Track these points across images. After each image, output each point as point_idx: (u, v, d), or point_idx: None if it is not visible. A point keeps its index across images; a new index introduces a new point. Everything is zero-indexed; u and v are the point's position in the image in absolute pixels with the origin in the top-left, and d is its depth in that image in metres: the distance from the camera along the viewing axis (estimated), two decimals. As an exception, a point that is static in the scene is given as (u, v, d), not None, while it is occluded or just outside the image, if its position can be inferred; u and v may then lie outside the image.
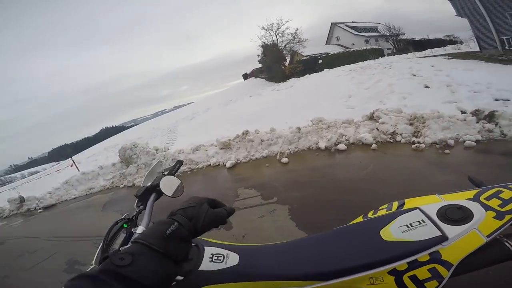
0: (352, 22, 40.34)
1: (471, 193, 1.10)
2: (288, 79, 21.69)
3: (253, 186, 4.02)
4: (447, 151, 3.92)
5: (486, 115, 4.52)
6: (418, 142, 4.41)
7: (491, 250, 0.95)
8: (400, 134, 4.83)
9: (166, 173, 1.17)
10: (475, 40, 16.86)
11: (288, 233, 2.59)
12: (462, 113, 4.90)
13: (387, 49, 31.19)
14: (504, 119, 4.30)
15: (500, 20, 13.59)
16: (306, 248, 1.06)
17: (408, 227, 0.95)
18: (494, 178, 3.06)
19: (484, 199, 1.04)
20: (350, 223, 1.15)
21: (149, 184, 1.06)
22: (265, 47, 28.68)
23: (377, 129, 5.18)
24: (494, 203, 1.02)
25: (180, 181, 1.09)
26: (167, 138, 11.21)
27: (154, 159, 6.91)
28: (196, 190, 4.65)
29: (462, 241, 0.92)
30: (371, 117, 5.69)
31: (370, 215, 1.18)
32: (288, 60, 29.64)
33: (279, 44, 28.86)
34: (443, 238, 0.91)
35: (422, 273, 0.90)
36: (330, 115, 6.23)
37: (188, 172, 5.84)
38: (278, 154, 5.13)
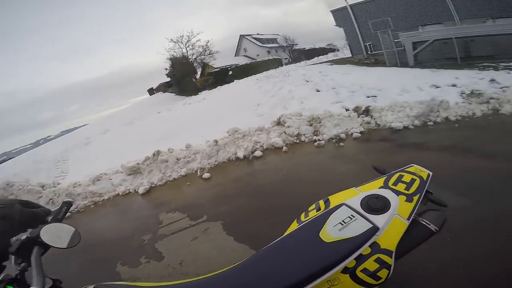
0: (257, 34, 43.23)
1: (381, 181, 1.24)
2: (200, 91, 21.29)
3: (176, 209, 3.65)
4: (341, 143, 4.65)
5: (363, 110, 5.44)
6: (319, 140, 4.96)
7: (414, 230, 1.08)
8: (304, 135, 5.35)
9: (49, 219, 0.92)
10: (348, 47, 20.85)
11: (229, 249, 2.46)
12: (346, 111, 5.76)
13: (285, 58, 35.21)
14: (376, 112, 5.26)
15: (365, 28, 17.09)
16: (253, 271, 0.98)
17: (342, 224, 1.02)
18: (378, 159, 3.81)
19: (392, 185, 1.19)
20: (287, 232, 1.14)
21: (24, 237, 0.79)
22: (174, 60, 27.32)
23: (284, 132, 5.57)
24: (401, 187, 1.17)
25: (73, 228, 0.89)
26: (56, 170, 8.93)
27: (41, 197, 5.27)
28: (107, 225, 3.89)
29: (390, 228, 1.03)
30: (279, 122, 6.09)
31: (303, 218, 1.21)
32: (199, 73, 29.26)
33: (189, 57, 28.13)
34: (375, 229, 1.00)
35: (370, 264, 0.96)
36: (244, 124, 6.32)
37: (92, 206, 4.72)
38: (198, 171, 4.82)
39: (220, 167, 4.83)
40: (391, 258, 0.98)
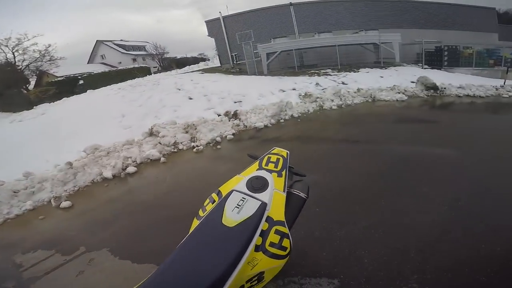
0: (121, 40, 38.25)
1: (256, 164, 1.46)
2: (36, 105, 16.34)
3: (35, 247, 2.79)
4: (218, 146, 4.97)
5: (233, 114, 5.97)
6: (197, 146, 5.03)
7: (291, 200, 1.31)
8: (181, 143, 5.26)
9: None
10: (217, 57, 22.17)
11: (132, 272, 2.18)
12: (218, 116, 6.14)
13: (154, 67, 33.03)
14: (242, 115, 5.90)
15: (233, 39, 18.54)
16: (172, 277, 0.94)
17: (238, 207, 1.13)
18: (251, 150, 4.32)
19: (264, 166, 1.42)
20: (191, 230, 1.17)
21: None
22: (-9, 68, 19.71)
23: (159, 143, 5.26)
24: (271, 166, 1.42)
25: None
26: None
27: None
28: None
29: (274, 201, 1.22)
30: (151, 133, 5.68)
31: (201, 213, 1.27)
32: (33, 83, 22.48)
33: (17, 64, 20.96)
34: (264, 204, 1.16)
35: (273, 237, 1.11)
36: (107, 139, 5.47)
37: None
38: (52, 200, 3.86)
39: (83, 192, 4.08)
40: (285, 227, 1.16)
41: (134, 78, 19.38)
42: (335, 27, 18.20)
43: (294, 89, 8.20)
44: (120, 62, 33.62)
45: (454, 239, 2.01)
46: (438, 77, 9.54)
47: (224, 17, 19.42)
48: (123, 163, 4.57)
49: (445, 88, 8.48)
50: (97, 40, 35.80)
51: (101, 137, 5.67)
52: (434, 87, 8.40)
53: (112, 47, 35.56)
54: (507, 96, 8.22)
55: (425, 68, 13.74)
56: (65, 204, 3.68)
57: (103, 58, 35.58)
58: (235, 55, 19.68)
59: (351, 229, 2.21)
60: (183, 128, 5.71)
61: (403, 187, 2.81)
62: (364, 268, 1.81)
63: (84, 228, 3.08)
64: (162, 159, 4.67)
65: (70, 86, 21.38)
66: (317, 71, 12.35)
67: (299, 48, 14.63)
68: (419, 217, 2.28)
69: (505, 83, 9.29)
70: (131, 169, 4.39)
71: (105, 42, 35.72)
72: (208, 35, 20.59)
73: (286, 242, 1.13)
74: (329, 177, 3.17)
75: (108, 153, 4.92)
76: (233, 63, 19.55)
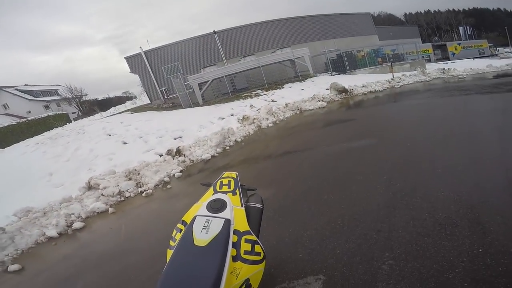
0: (25, 85, 33.29)
1: (211, 191, 1.66)
2: None
3: None
4: (168, 186, 4.89)
5: (175, 151, 5.93)
6: (145, 190, 4.83)
7: (250, 212, 1.55)
8: (126, 190, 4.99)
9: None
10: (145, 94, 21.18)
11: None
12: (160, 156, 6.01)
13: (72, 113, 29.53)
14: (186, 150, 5.92)
15: (159, 74, 17.96)
16: None
17: (205, 228, 1.26)
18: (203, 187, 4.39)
19: (219, 189, 1.63)
20: (168, 260, 1.26)
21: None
22: None
23: (102, 195, 4.96)
24: (225, 188, 1.64)
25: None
26: None
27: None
28: None
29: (236, 216, 1.41)
30: (90, 187, 5.32)
31: (172, 244, 1.38)
32: None
33: None
34: (228, 220, 1.33)
35: (245, 246, 1.29)
36: (38, 201, 5.07)
37: None
38: None
39: (29, 253, 3.81)
40: (253, 235, 1.36)
41: (51, 129, 17.01)
42: (257, 49, 19.89)
43: (232, 115, 8.62)
44: (29, 111, 29.18)
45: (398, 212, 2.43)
46: (345, 80, 11.39)
47: (146, 52, 18.94)
48: (66, 220, 4.33)
49: (352, 89, 10.20)
50: None
51: (31, 199, 5.30)
52: (344, 90, 10.02)
53: (16, 94, 30.82)
54: (398, 86, 10.40)
55: (334, 75, 16.15)
56: (13, 267, 3.46)
57: (6, 108, 30.40)
58: (164, 89, 19.20)
59: (315, 227, 2.48)
60: (124, 175, 5.44)
61: (343, 180, 3.32)
62: (340, 258, 2.02)
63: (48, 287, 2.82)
64: (110, 209, 4.45)
65: (-35, 150, 17.31)
66: (249, 94, 13.19)
67: (229, 74, 15.39)
68: (366, 204, 2.65)
69: (394, 76, 11.73)
70: (77, 224, 4.19)
71: (5, 89, 30.64)
72: (131, 72, 19.70)
73: (258, 248, 1.33)
74: (281, 187, 3.53)
75: (44, 213, 4.64)
76: (164, 98, 19.01)
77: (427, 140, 4.10)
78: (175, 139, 7.10)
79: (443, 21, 55.85)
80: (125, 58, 19.26)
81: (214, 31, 19.73)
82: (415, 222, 2.23)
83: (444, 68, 13.03)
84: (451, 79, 11.20)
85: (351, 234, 2.28)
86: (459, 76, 11.67)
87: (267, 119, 7.65)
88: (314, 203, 2.93)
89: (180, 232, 1.42)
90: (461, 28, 39.58)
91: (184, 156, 5.77)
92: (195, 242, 1.23)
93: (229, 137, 6.35)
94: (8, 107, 30.41)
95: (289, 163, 4.43)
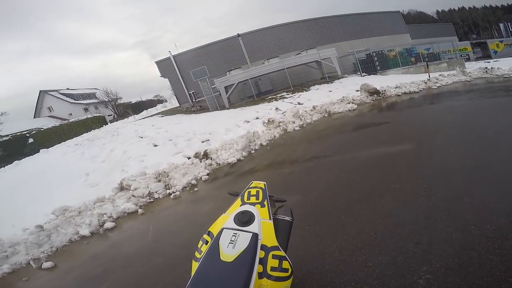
0: (67, 88, 36.05)
1: (238, 201, 1.59)
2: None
3: None
4: (195, 189, 4.96)
5: (203, 154, 6.01)
6: (173, 192, 4.95)
7: (279, 226, 1.47)
8: (156, 192, 5.16)
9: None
10: (175, 97, 22.00)
11: None
12: (188, 159, 6.13)
13: (108, 115, 31.50)
14: (213, 154, 5.98)
15: (187, 77, 18.54)
16: None
17: (232, 243, 1.21)
18: (229, 189, 4.36)
19: (247, 200, 1.55)
20: (192, 272, 1.25)
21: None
22: None
23: (133, 195, 5.13)
24: (253, 199, 1.56)
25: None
26: None
27: None
28: None
29: (264, 230, 1.33)
30: (122, 188, 5.52)
31: (198, 255, 1.35)
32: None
33: None
34: (256, 235, 1.26)
35: (273, 262, 1.21)
36: (74, 200, 5.40)
37: None
38: (31, 262, 3.88)
39: (63, 251, 4.04)
40: (281, 250, 1.28)
41: (89, 130, 18.37)
42: (281, 50, 19.76)
43: (257, 118, 8.59)
44: (71, 114, 31.63)
45: (440, 224, 2.20)
46: (376, 81, 10.82)
47: (174, 56, 19.64)
48: (98, 220, 4.53)
49: (385, 90, 9.64)
50: (40, 91, 33.34)
51: (68, 198, 5.65)
52: (376, 92, 9.49)
53: (59, 98, 33.38)
54: (436, 87, 9.63)
55: (363, 76, 15.47)
56: (47, 264, 3.70)
57: (50, 111, 33.12)
58: (192, 93, 19.75)
59: (345, 237, 2.33)
60: (154, 177, 5.61)
61: (377, 188, 3.07)
62: (371, 271, 1.88)
63: (75, 286, 2.98)
64: (140, 210, 4.60)
65: (18, 146, 19.39)
66: (274, 96, 13.10)
67: (254, 76, 15.41)
68: (403, 214, 2.44)
69: (430, 76, 10.91)
70: (109, 224, 4.38)
71: (49, 93, 33.44)
72: (161, 76, 20.57)
73: (285, 264, 1.25)
74: (309, 194, 3.38)
75: (79, 212, 4.88)
76: (192, 101, 19.55)
77: (472, 145, 3.67)
78: (202, 142, 7.22)
79: (480, 17, 51.54)
80: (155, 62, 20.18)
81: (238, 34, 19.97)
82: (459, 235, 2.01)
83: (486, 67, 11.84)
84: (496, 79, 10.09)
85: (385, 246, 2.10)
86: (505, 76, 10.50)
87: (294, 122, 7.49)
88: (344, 212, 2.75)
89: (206, 244, 1.38)
90: (501, 25, 36.57)
91: (211, 159, 5.83)
92: (221, 257, 1.19)
93: (254, 140, 6.31)
94: (53, 110, 33.14)
95: (317, 169, 4.25)
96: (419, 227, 2.21)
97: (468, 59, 21.67)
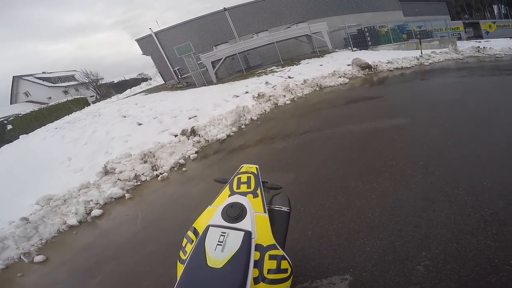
0: (43, 72, 34.54)
1: (226, 190, 1.32)
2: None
3: None
4: (184, 168, 4.72)
5: (190, 131, 5.72)
6: (160, 173, 4.72)
7: (275, 218, 1.24)
8: (142, 174, 4.91)
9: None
10: (159, 74, 21.07)
11: None
12: (175, 137, 5.83)
13: (90, 96, 30.17)
14: (201, 130, 5.70)
15: (171, 54, 17.59)
16: None
17: (220, 244, 1.00)
18: (219, 168, 4.22)
19: (236, 189, 1.29)
20: (178, 276, 1.06)
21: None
22: None
23: (119, 179, 4.88)
24: (244, 187, 1.29)
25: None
26: None
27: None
28: None
29: (258, 226, 1.11)
30: (107, 171, 5.26)
31: (182, 256, 1.16)
32: None
33: None
34: (248, 233, 1.04)
35: (270, 264, 1.02)
36: (58, 187, 5.17)
37: None
38: (22, 257, 3.77)
39: (52, 243, 3.90)
40: (278, 249, 1.07)
41: (71, 113, 17.48)
42: (270, 24, 18.93)
43: (247, 92, 8.23)
44: (50, 97, 30.25)
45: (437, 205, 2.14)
46: (368, 56, 10.53)
47: (156, 33, 18.57)
48: (85, 207, 4.38)
49: (377, 65, 9.40)
50: (13, 76, 31.57)
51: (52, 186, 5.43)
52: (368, 66, 9.25)
53: (35, 82, 31.84)
54: (428, 63, 9.47)
55: (355, 50, 15.08)
56: (38, 258, 3.60)
57: (28, 96, 31.59)
58: (178, 69, 18.97)
59: (342, 219, 2.23)
60: (140, 158, 5.34)
61: (373, 165, 2.96)
62: (370, 256, 1.81)
63: (70, 280, 2.88)
64: (127, 195, 4.42)
65: (-4, 133, 18.38)
66: (263, 70, 12.64)
67: (242, 51, 14.78)
68: (400, 194, 2.35)
69: (422, 53, 10.72)
70: (96, 212, 4.23)
71: (24, 77, 31.82)
72: (143, 54, 19.51)
73: (284, 264, 1.05)
74: (303, 172, 3.23)
75: (64, 201, 4.69)
76: (178, 77, 18.83)
77: (468, 122, 3.56)
78: (189, 118, 6.88)
79: None
80: (136, 40, 19.02)
81: (224, 8, 18.89)
82: (457, 218, 1.94)
83: (479, 47, 11.77)
84: (487, 58, 10.03)
85: (383, 230, 2.00)
86: (496, 55, 10.45)
87: (284, 96, 7.20)
88: (341, 191, 2.62)
89: (192, 244, 1.15)
90: (495, 7, 37.27)
91: (199, 136, 5.55)
92: (208, 263, 0.97)
93: (244, 115, 6.04)
94: (30, 95, 31.59)
95: (310, 144, 4.08)
96: (417, 209, 2.14)
97: (460, 38, 21.83)
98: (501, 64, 8.12)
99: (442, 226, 1.91)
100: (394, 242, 1.87)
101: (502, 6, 36.89)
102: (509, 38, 19.61)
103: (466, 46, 12.58)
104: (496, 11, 36.50)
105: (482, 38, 22.45)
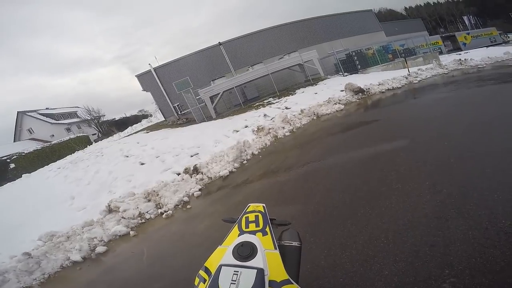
0: (46, 108, 34.65)
1: (236, 230, 1.36)
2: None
3: None
4: (188, 206, 4.75)
5: (193, 169, 5.78)
6: (165, 211, 4.73)
7: (286, 253, 1.27)
8: (147, 212, 4.93)
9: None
10: (160, 111, 21.54)
11: None
12: (178, 175, 5.88)
13: (92, 134, 30.42)
14: (203, 168, 5.76)
15: (171, 90, 18.21)
16: None
17: (234, 283, 1.02)
18: (224, 204, 4.23)
19: (245, 228, 1.33)
20: None
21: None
22: None
23: (123, 217, 4.91)
24: (252, 226, 1.33)
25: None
26: None
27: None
28: None
29: (270, 263, 1.13)
30: (110, 210, 5.30)
31: None
32: None
33: None
34: (261, 270, 1.06)
35: None
36: (61, 225, 5.21)
37: None
38: None
39: (55, 278, 3.88)
40: (293, 283, 1.08)
41: (73, 152, 17.66)
42: (264, 56, 19.89)
43: (246, 126, 8.44)
44: (53, 135, 30.41)
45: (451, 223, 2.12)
46: (359, 80, 10.98)
47: (155, 68, 19.27)
48: (89, 244, 4.40)
49: (369, 88, 9.77)
50: (18, 112, 31.74)
51: (54, 223, 5.47)
52: (361, 90, 9.60)
53: (38, 118, 32.02)
54: (417, 81, 9.87)
55: (346, 75, 15.71)
56: None
57: (31, 133, 31.68)
58: (177, 105, 19.39)
59: (354, 246, 2.21)
60: (143, 197, 5.38)
61: (379, 190, 2.97)
62: (389, 280, 1.78)
63: None
64: (132, 232, 4.43)
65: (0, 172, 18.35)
66: (261, 103, 13.04)
67: (239, 84, 15.32)
68: (411, 216, 2.34)
69: (410, 71, 11.20)
70: (100, 248, 4.23)
71: (28, 113, 32.03)
72: (143, 90, 20.12)
73: None
74: (309, 203, 3.24)
75: (68, 237, 4.74)
76: (178, 114, 19.17)
77: (465, 136, 3.67)
78: (191, 156, 6.98)
79: (445, 12, 55.43)
80: (136, 76, 19.70)
81: (219, 42, 19.94)
82: (475, 233, 1.93)
83: (460, 59, 12.39)
84: (470, 69, 10.56)
85: (399, 252, 1.98)
86: (478, 66, 11.00)
87: (283, 127, 7.39)
88: (350, 219, 2.61)
89: (205, 283, 1.17)
90: (465, 18, 40.35)
91: (202, 173, 5.61)
92: None
93: (245, 150, 6.14)
94: (33, 132, 31.72)
95: (313, 174, 4.12)
96: (431, 228, 2.12)
97: (441, 52, 22.84)
98: (484, 75, 8.49)
99: (460, 242, 1.88)
100: (413, 263, 1.84)
101: (471, 16, 39.66)
102: (485, 48, 20.72)
103: (449, 60, 13.18)
104: (467, 22, 38.91)
105: (461, 50, 23.60)
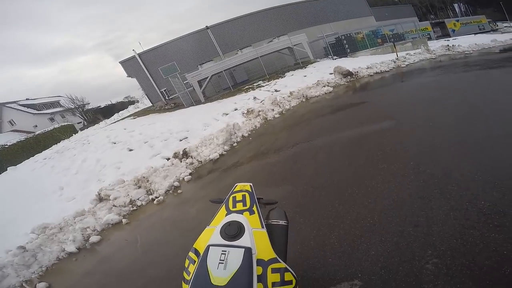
0: (26, 99, 33.40)
1: (223, 210, 1.38)
2: None
3: None
4: (179, 191, 4.75)
5: (182, 153, 5.74)
6: (156, 197, 4.71)
7: (273, 232, 1.31)
8: (138, 199, 4.89)
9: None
10: (146, 97, 21.00)
11: None
12: (167, 160, 5.84)
13: (78, 123, 29.53)
14: (193, 152, 5.73)
15: (157, 75, 17.66)
16: None
17: (222, 262, 1.04)
18: (215, 188, 4.23)
19: (232, 208, 1.35)
20: None
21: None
22: None
23: (114, 205, 4.87)
24: (239, 206, 1.35)
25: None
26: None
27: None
28: None
29: (258, 241, 1.16)
30: (101, 198, 5.24)
31: (186, 277, 1.20)
32: None
33: None
34: (249, 249, 1.08)
35: (273, 277, 1.07)
36: (53, 216, 5.13)
37: None
38: (24, 284, 3.76)
39: (53, 270, 3.88)
40: (280, 262, 1.12)
41: (58, 142, 17.13)
42: (253, 39, 19.44)
43: (236, 109, 8.37)
44: (36, 125, 29.36)
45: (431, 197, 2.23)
46: (348, 63, 10.96)
47: (140, 54, 18.62)
48: (82, 234, 4.35)
49: (357, 71, 9.79)
50: None
51: (45, 215, 5.39)
52: (349, 73, 9.61)
53: (19, 110, 30.83)
54: (405, 65, 9.95)
55: (335, 59, 15.64)
56: (41, 285, 3.57)
57: (12, 125, 30.52)
58: (164, 90, 18.97)
59: (342, 226, 2.27)
60: (134, 184, 5.33)
61: (365, 170, 3.05)
62: (376, 260, 1.84)
63: None
64: (124, 220, 4.41)
65: (-18, 166, 17.69)
66: (250, 86, 12.88)
67: (228, 68, 15.02)
68: (396, 196, 2.41)
69: (398, 55, 11.27)
70: (94, 238, 4.21)
71: (7, 105, 30.73)
72: (128, 76, 19.48)
73: (288, 276, 1.10)
74: (298, 184, 3.31)
75: (60, 228, 4.68)
76: (165, 99, 18.79)
77: (450, 118, 3.78)
78: (180, 140, 6.90)
79: None
80: (119, 62, 18.99)
81: (206, 26, 19.28)
82: (456, 214, 2.00)
83: (448, 45, 12.51)
84: (458, 55, 10.71)
85: (385, 232, 2.05)
86: (466, 52, 11.17)
87: (273, 110, 7.37)
88: (337, 199, 2.69)
89: (194, 264, 1.20)
90: (455, 5, 40.79)
91: (192, 157, 5.59)
92: (212, 281, 1.01)
93: (235, 133, 6.12)
94: (15, 123, 30.61)
95: (302, 156, 4.18)
96: (415, 209, 2.19)
97: (430, 38, 23.05)
98: (471, 60, 8.62)
99: (442, 223, 1.95)
100: (398, 243, 1.91)
101: (462, 4, 40.06)
102: (473, 35, 21.03)
103: (437, 46, 13.29)
104: (457, 9, 39.44)
105: (450, 36, 23.85)
